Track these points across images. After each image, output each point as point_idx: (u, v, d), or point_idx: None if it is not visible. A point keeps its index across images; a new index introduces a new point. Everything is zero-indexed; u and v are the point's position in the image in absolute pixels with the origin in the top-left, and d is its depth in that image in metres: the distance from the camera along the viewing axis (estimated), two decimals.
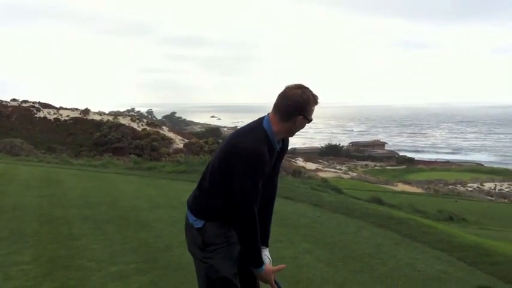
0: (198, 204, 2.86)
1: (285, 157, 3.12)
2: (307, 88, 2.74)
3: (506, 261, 5.85)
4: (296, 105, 2.70)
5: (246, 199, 2.65)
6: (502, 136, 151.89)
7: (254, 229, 2.70)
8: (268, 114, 2.79)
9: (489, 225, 15.75)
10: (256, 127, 2.76)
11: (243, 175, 2.63)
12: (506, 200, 37.71)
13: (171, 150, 33.59)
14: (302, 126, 2.79)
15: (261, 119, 2.79)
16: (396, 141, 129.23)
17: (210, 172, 2.81)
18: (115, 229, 7.15)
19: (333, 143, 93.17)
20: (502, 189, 49.05)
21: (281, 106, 2.73)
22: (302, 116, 2.72)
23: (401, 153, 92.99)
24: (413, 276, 5.22)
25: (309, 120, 2.77)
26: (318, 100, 2.77)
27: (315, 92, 2.76)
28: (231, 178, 2.66)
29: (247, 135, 2.72)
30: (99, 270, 5.13)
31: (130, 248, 6.11)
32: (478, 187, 49.70)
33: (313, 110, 2.76)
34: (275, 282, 2.90)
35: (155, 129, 42.31)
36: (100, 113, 50.26)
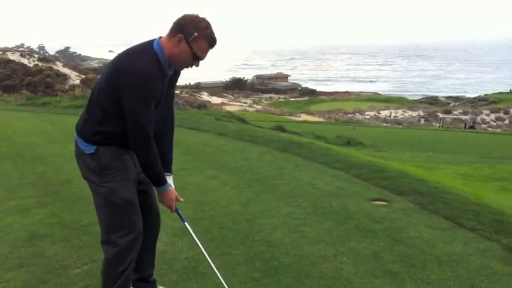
0: (88, 129, 2.71)
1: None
2: (205, 19, 2.59)
3: (396, 175, 6.33)
4: (180, 21, 2.58)
5: (139, 121, 2.55)
6: (397, 66, 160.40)
7: (151, 150, 2.63)
8: (160, 37, 2.65)
9: (384, 148, 16.81)
10: (146, 49, 2.61)
11: (133, 98, 2.51)
12: (400, 126, 40.44)
13: (66, 87, 31.77)
14: (187, 56, 2.60)
15: (150, 41, 2.65)
16: (299, 74, 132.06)
17: (98, 96, 2.66)
18: (11, 165, 6.87)
19: (238, 76, 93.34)
20: (397, 116, 52.61)
21: (171, 26, 2.62)
22: (183, 37, 2.55)
23: (304, 85, 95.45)
24: (313, 193, 5.51)
25: (191, 48, 2.56)
26: (214, 38, 2.61)
27: (215, 33, 2.59)
28: (121, 101, 2.53)
29: (136, 57, 2.57)
30: None
31: (28, 182, 5.91)
32: (375, 115, 52.85)
33: (199, 39, 2.56)
34: (179, 213, 2.92)
35: (48, 65, 39.56)
36: None
